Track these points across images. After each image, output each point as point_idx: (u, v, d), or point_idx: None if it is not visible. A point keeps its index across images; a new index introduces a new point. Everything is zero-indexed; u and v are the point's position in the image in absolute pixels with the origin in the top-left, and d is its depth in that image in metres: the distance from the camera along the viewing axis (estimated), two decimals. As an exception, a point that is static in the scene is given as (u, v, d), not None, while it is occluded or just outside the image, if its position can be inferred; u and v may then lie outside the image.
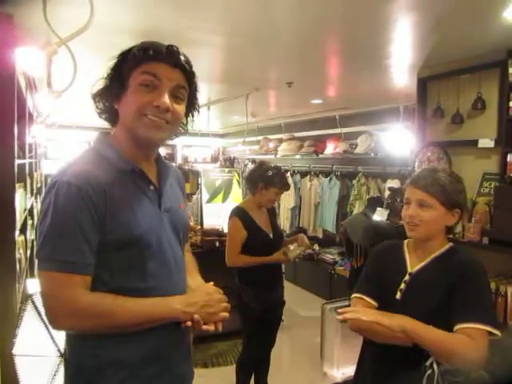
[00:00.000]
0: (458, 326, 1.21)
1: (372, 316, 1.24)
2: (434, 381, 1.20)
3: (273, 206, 2.67)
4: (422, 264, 1.37)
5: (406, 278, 1.36)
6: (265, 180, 2.45)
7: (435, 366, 1.21)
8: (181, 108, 1.10)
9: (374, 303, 1.39)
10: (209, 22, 2.13)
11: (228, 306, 1.13)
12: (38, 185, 4.18)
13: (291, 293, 4.53)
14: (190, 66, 1.10)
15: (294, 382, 3.09)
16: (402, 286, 1.35)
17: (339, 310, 1.27)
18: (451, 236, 1.90)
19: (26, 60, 1.69)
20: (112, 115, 1.12)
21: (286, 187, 2.55)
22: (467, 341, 1.17)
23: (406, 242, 1.47)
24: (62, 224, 0.96)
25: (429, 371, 1.22)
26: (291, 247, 2.44)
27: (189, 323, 1.05)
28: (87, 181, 0.99)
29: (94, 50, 2.47)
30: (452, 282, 1.27)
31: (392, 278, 1.39)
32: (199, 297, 1.09)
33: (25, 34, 2.02)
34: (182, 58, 1.07)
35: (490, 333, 1.19)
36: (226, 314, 1.11)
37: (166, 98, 1.04)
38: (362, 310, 1.31)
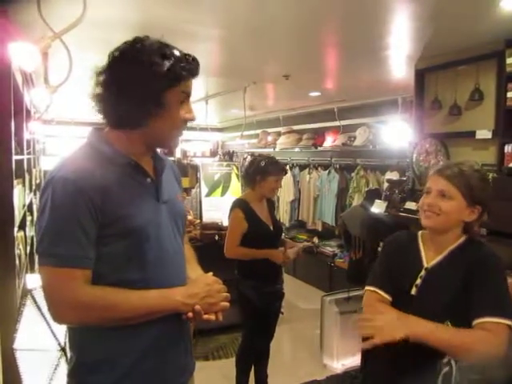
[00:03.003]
0: (476, 321, 1.16)
1: (379, 337, 1.14)
2: (452, 379, 1.15)
3: (272, 199, 2.69)
4: (439, 258, 1.31)
5: (422, 273, 1.31)
6: (261, 171, 2.48)
7: (453, 362, 1.15)
8: None
9: (388, 297, 1.34)
10: (205, 16, 2.12)
11: (228, 295, 1.14)
12: (37, 181, 4.17)
13: (291, 285, 4.55)
14: None
15: (294, 374, 3.10)
16: (418, 281, 1.30)
17: (358, 322, 1.21)
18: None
19: (20, 55, 1.68)
20: (128, 121, 1.04)
21: (284, 172, 2.60)
22: (486, 336, 1.13)
23: (420, 233, 1.40)
24: (60, 219, 0.97)
25: (445, 369, 1.16)
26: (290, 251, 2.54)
27: (190, 314, 1.06)
28: (83, 175, 0.99)
29: (90, 45, 2.45)
30: (469, 276, 1.22)
31: (407, 272, 1.33)
32: (199, 288, 1.09)
33: (19, 28, 2.01)
34: None
35: (510, 327, 1.15)
36: (226, 304, 1.12)
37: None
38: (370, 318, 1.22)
